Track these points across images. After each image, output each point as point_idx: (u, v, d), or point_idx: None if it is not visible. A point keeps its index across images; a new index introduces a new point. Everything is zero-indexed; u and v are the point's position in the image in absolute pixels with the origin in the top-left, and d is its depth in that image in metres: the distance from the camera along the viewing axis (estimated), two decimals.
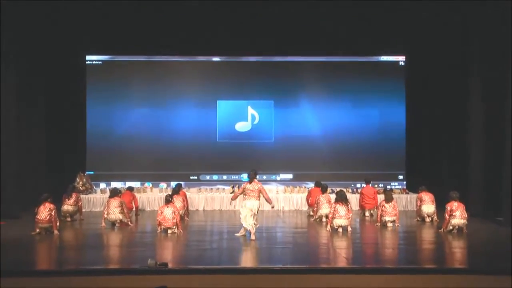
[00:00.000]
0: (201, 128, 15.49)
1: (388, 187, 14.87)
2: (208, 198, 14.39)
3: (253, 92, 15.63)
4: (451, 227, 10.58)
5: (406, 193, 14.73)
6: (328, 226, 10.81)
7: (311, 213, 12.73)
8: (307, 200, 13.31)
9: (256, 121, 15.64)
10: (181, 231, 10.54)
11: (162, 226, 10.44)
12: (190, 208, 13.54)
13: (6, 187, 12.11)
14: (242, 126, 15.61)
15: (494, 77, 12.39)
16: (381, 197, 12.56)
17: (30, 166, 13.45)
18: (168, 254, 9.17)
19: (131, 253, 9.17)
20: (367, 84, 15.50)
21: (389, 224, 11.30)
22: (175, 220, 10.42)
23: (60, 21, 14.32)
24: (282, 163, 15.35)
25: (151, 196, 14.32)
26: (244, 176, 10.43)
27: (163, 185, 14.98)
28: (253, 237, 9.93)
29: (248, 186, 10.18)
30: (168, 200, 10.68)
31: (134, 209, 12.78)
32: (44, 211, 10.28)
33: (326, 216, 11.46)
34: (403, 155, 15.50)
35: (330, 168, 15.32)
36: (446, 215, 10.62)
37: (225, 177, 15.34)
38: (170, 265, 7.67)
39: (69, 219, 12.07)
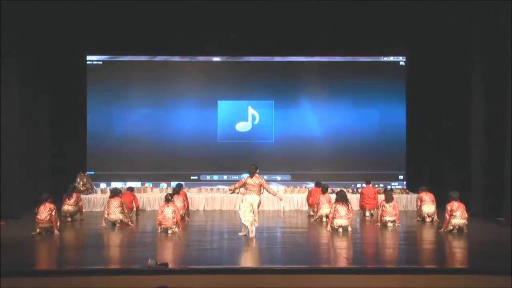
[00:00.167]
0: (202, 128, 15.49)
1: (389, 187, 14.87)
2: (209, 198, 14.39)
3: (253, 92, 15.63)
4: (451, 227, 10.58)
5: (407, 193, 14.72)
6: (329, 226, 10.80)
7: (312, 213, 12.73)
8: (307, 200, 13.31)
9: (256, 121, 15.64)
10: (181, 230, 10.53)
11: (162, 226, 10.43)
12: (191, 208, 13.53)
13: (7, 187, 12.10)
14: (242, 126, 15.62)
15: (495, 77, 12.39)
16: (381, 197, 12.55)
17: (30, 166, 13.44)
18: (168, 254, 9.16)
19: (131, 253, 9.16)
20: (368, 84, 15.49)
21: (390, 224, 11.30)
22: (175, 220, 10.42)
23: (60, 21, 14.32)
24: (282, 163, 15.34)
25: (152, 196, 14.32)
26: (245, 177, 10.40)
27: (163, 185, 14.99)
28: (251, 234, 9.91)
29: (249, 180, 10.15)
30: (168, 199, 10.67)
31: (134, 209, 12.78)
32: (45, 211, 10.28)
33: (327, 216, 11.46)
34: (403, 155, 15.50)
35: (330, 168, 15.32)
36: (447, 215, 10.62)
37: (225, 177, 15.34)
38: (170, 265, 7.67)
39: (69, 219, 12.07)
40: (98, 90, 15.34)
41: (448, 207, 10.62)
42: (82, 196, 13.29)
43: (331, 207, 10.93)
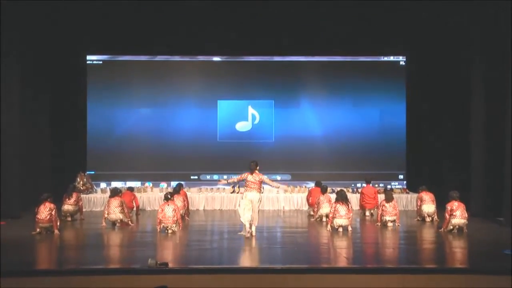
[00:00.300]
0: (202, 128, 15.50)
1: (389, 186, 14.87)
2: (209, 197, 14.39)
3: (253, 92, 15.64)
4: (451, 227, 10.58)
5: (407, 192, 14.72)
6: (329, 226, 10.80)
7: (312, 213, 12.73)
8: (307, 200, 13.31)
9: (256, 121, 15.64)
10: (181, 229, 10.52)
11: (162, 224, 10.43)
12: (191, 207, 13.53)
13: (7, 187, 12.10)
14: (242, 126, 15.62)
15: (495, 77, 12.38)
16: (381, 196, 12.55)
17: (30, 166, 13.44)
18: (168, 253, 9.16)
19: (131, 253, 9.16)
20: (368, 84, 15.50)
21: (390, 224, 11.29)
22: (175, 218, 10.42)
23: (60, 21, 14.32)
24: (282, 162, 15.35)
25: (152, 195, 14.32)
26: (245, 173, 10.36)
27: (163, 184, 14.99)
28: (247, 234, 9.90)
29: (250, 177, 10.13)
30: (168, 197, 10.67)
31: (134, 208, 12.78)
32: (45, 211, 10.28)
33: (327, 216, 11.45)
34: (403, 155, 15.50)
35: (330, 168, 15.32)
36: (447, 214, 10.61)
37: (225, 177, 15.20)
38: (170, 265, 7.67)
39: (69, 218, 12.07)
40: (98, 90, 15.35)
41: (448, 206, 10.61)
42: (82, 195, 13.29)
43: (331, 207, 10.93)
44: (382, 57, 15.73)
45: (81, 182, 14.07)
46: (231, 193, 14.49)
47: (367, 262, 8.71)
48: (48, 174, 14.46)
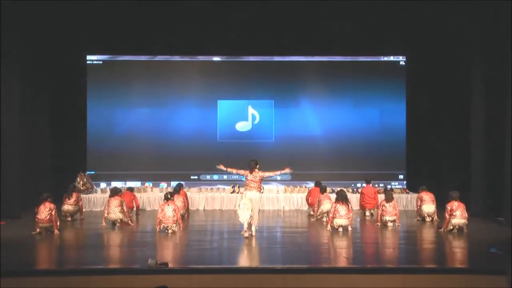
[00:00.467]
0: (202, 127, 15.50)
1: (389, 186, 14.87)
2: (209, 197, 14.40)
3: (253, 91, 15.64)
4: (451, 227, 10.58)
5: (407, 192, 14.72)
6: (329, 226, 10.80)
7: (311, 213, 12.73)
8: (307, 200, 13.31)
9: (256, 120, 15.64)
10: (181, 229, 10.52)
11: (162, 224, 10.43)
12: (191, 207, 13.55)
13: (7, 187, 12.10)
14: (242, 126, 15.62)
15: (495, 77, 12.38)
16: (381, 196, 12.55)
17: (30, 166, 13.44)
18: (168, 253, 9.16)
19: (131, 253, 9.17)
20: (368, 84, 15.50)
21: (390, 224, 11.29)
22: (175, 218, 10.42)
23: (60, 21, 14.32)
24: (282, 162, 15.18)
25: (152, 195, 14.32)
26: (246, 171, 10.35)
27: (163, 184, 14.99)
28: (246, 234, 9.90)
29: (250, 176, 10.11)
30: (168, 197, 10.66)
31: (134, 208, 12.78)
32: (44, 211, 10.28)
33: (328, 212, 11.37)
34: (403, 155, 15.50)
35: (330, 168, 15.32)
36: (447, 214, 10.61)
37: (225, 176, 15.32)
38: (170, 265, 7.67)
39: (69, 218, 12.07)
40: (98, 90, 15.35)
41: (448, 206, 10.61)
42: (82, 195, 13.30)
43: (332, 206, 10.93)
44: (382, 57, 15.73)
45: (81, 182, 14.07)
46: (231, 193, 14.50)
47: (367, 262, 8.71)
48: (48, 174, 14.45)
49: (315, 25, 14.80)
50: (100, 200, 13.89)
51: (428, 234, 11.06)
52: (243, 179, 10.52)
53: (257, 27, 14.81)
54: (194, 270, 7.62)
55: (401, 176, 15.49)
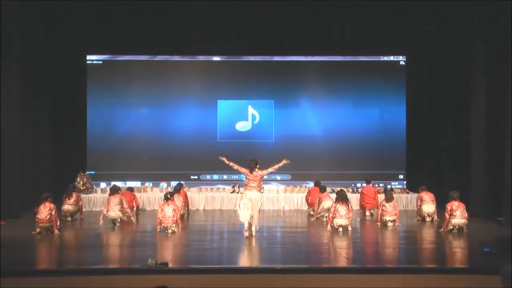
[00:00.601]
0: (202, 127, 15.50)
1: (389, 186, 14.85)
2: (209, 197, 14.39)
3: (253, 91, 15.64)
4: (451, 227, 10.57)
5: (407, 192, 14.72)
6: (329, 226, 10.79)
7: (311, 213, 12.73)
8: (307, 200, 13.31)
9: (256, 120, 15.64)
10: (180, 229, 10.51)
11: (162, 224, 10.42)
12: (191, 207, 13.55)
13: (7, 187, 12.10)
14: (242, 126, 15.62)
15: (495, 77, 12.38)
16: (381, 196, 12.54)
17: (30, 166, 13.43)
18: (168, 253, 9.16)
19: (131, 253, 9.16)
20: (368, 83, 15.50)
21: (390, 224, 11.29)
22: (175, 218, 10.42)
23: (60, 21, 14.33)
24: None
25: (152, 195, 14.32)
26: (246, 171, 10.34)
27: (163, 184, 14.98)
28: (246, 233, 9.90)
29: (250, 176, 10.10)
30: (167, 197, 10.66)
31: (134, 208, 12.77)
32: (44, 211, 10.28)
33: (328, 210, 11.34)
34: (403, 155, 15.50)
35: (330, 168, 15.32)
36: (447, 214, 10.61)
37: (225, 176, 15.33)
38: (170, 265, 7.67)
39: (69, 218, 12.07)
40: (98, 90, 15.35)
41: (448, 206, 10.61)
42: (82, 195, 13.29)
43: (332, 206, 10.93)
44: (382, 57, 15.73)
45: (81, 182, 14.07)
46: (231, 193, 14.50)
47: (367, 262, 8.71)
48: (48, 174, 14.45)
49: (315, 25, 14.80)
50: (100, 200, 13.89)
51: (428, 234, 11.06)
52: (243, 178, 10.51)
53: (257, 27, 14.82)
54: (194, 270, 7.62)
55: (401, 176, 15.49)
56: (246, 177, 10.19)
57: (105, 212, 11.37)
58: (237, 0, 14.20)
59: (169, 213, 10.38)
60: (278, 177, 15.36)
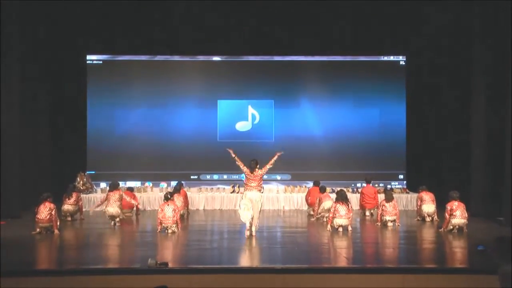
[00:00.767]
0: (202, 127, 15.49)
1: (389, 186, 14.85)
2: (209, 197, 14.39)
3: (253, 91, 15.64)
4: (451, 227, 10.57)
5: (407, 192, 14.72)
6: (329, 226, 10.79)
7: (311, 213, 12.72)
8: (307, 200, 13.31)
9: (256, 120, 15.64)
10: (180, 229, 10.51)
11: (162, 224, 10.42)
12: (191, 207, 13.56)
13: (7, 187, 12.09)
14: (242, 126, 15.62)
15: (495, 77, 12.38)
16: (381, 196, 12.55)
17: (30, 166, 13.43)
18: (168, 253, 9.16)
19: (131, 253, 9.17)
20: (368, 83, 15.50)
21: (390, 224, 11.29)
22: (175, 218, 10.41)
23: (60, 21, 14.34)
24: (282, 162, 15.14)
25: (152, 195, 14.32)
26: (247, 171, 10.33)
27: (163, 184, 14.98)
28: (247, 233, 9.90)
29: (250, 176, 10.08)
30: (168, 197, 10.66)
31: (135, 208, 12.77)
32: (44, 211, 10.27)
33: (329, 210, 11.35)
34: (403, 155, 15.50)
35: (330, 168, 15.32)
36: (447, 214, 10.61)
37: (225, 176, 15.34)
38: (170, 265, 7.67)
39: (69, 218, 12.07)
40: (98, 89, 15.35)
41: (448, 206, 10.61)
42: (82, 195, 13.29)
43: (332, 206, 10.93)
44: (382, 57, 15.72)
45: (81, 182, 14.07)
46: (231, 193, 14.50)
47: (367, 262, 8.71)
48: (48, 174, 14.44)
49: (315, 25, 14.81)
50: (100, 199, 13.85)
51: (428, 234, 11.06)
52: (243, 178, 10.51)
53: (257, 27, 14.82)
54: (194, 270, 7.62)
55: (401, 176, 15.48)
56: (246, 177, 10.18)
57: (104, 208, 11.34)
58: (237, 0, 14.20)
59: (169, 213, 10.38)
60: (278, 177, 15.37)
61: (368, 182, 13.32)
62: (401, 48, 15.54)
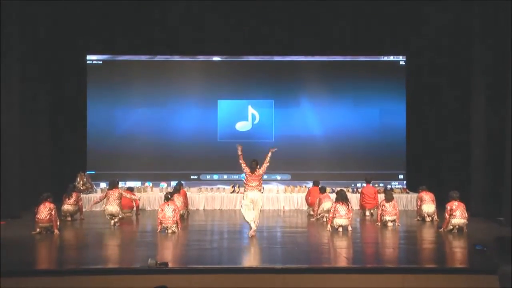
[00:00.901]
0: (202, 127, 15.49)
1: (389, 186, 14.85)
2: (209, 197, 14.39)
3: (253, 91, 15.64)
4: (451, 227, 10.57)
5: (407, 192, 14.72)
6: (329, 226, 10.79)
7: (311, 213, 12.72)
8: (306, 200, 13.31)
9: (256, 120, 15.64)
10: (180, 229, 10.51)
11: (162, 225, 10.42)
12: (191, 207, 13.56)
13: (7, 187, 12.10)
14: (242, 126, 15.62)
15: (495, 77, 12.38)
16: (381, 196, 12.55)
17: (30, 166, 13.43)
18: (168, 253, 9.16)
19: (131, 253, 9.17)
20: (368, 83, 15.50)
21: (390, 224, 11.29)
22: (175, 219, 10.41)
23: (60, 21, 14.34)
24: (282, 162, 15.26)
25: (152, 195, 14.32)
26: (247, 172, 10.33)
27: (163, 184, 14.98)
28: (252, 233, 9.90)
29: (251, 176, 10.08)
30: (168, 197, 10.66)
31: (134, 208, 12.77)
32: (44, 211, 10.27)
33: (328, 211, 11.35)
34: (403, 155, 15.49)
35: (330, 168, 15.32)
36: (446, 214, 10.61)
37: (225, 176, 15.34)
38: (170, 265, 7.67)
39: (69, 218, 12.07)
40: (98, 89, 15.35)
41: (448, 206, 10.61)
42: (82, 195, 13.30)
43: (331, 206, 10.93)
44: (382, 57, 15.72)
45: (81, 182, 14.07)
46: (231, 193, 14.50)
47: (367, 262, 8.71)
48: (48, 174, 14.44)
49: (315, 25, 14.81)
50: (98, 197, 13.86)
51: (428, 234, 11.06)
52: (243, 178, 10.51)
53: (257, 27, 14.82)
54: (194, 270, 7.62)
55: (401, 176, 15.48)
56: (247, 177, 10.16)
57: (103, 206, 11.34)
58: (237, 0, 14.20)
59: (169, 214, 10.38)
60: (278, 177, 15.37)
61: (368, 182, 13.32)
62: (401, 48, 15.54)
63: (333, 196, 11.55)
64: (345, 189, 11.90)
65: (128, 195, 11.85)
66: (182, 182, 13.56)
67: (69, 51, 14.86)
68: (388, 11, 14.56)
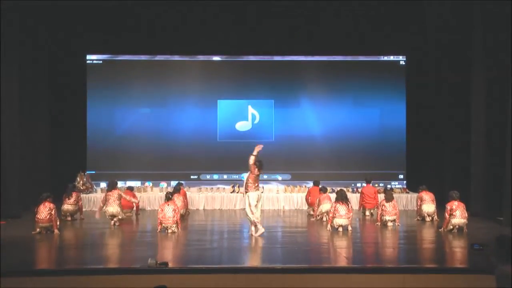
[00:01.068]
0: (202, 127, 15.49)
1: (389, 186, 14.85)
2: (209, 197, 14.39)
3: (253, 91, 15.64)
4: (451, 227, 10.57)
5: (407, 192, 14.72)
6: (329, 226, 10.80)
7: (311, 213, 12.73)
8: (307, 199, 13.31)
9: (256, 120, 15.64)
10: (180, 229, 10.51)
11: (162, 224, 10.42)
12: (191, 207, 13.56)
13: (7, 187, 12.10)
14: (242, 126, 15.62)
15: (496, 77, 12.37)
16: (381, 196, 12.55)
17: (30, 166, 13.43)
18: (168, 253, 9.17)
19: (131, 253, 9.17)
20: (368, 83, 15.50)
21: (390, 224, 11.29)
22: (175, 219, 10.41)
23: (60, 21, 14.33)
24: (282, 162, 15.33)
25: (152, 195, 14.32)
26: (245, 176, 10.35)
27: (163, 184, 14.98)
28: (262, 230, 9.91)
29: (258, 177, 10.08)
30: (168, 197, 10.67)
31: (134, 208, 12.76)
32: (44, 211, 10.27)
33: (327, 213, 11.37)
34: (403, 155, 15.50)
35: (330, 168, 15.32)
36: (446, 214, 10.61)
37: (225, 176, 15.34)
38: (170, 265, 7.67)
39: (69, 218, 12.07)
40: (98, 89, 15.35)
41: (448, 206, 10.61)
42: (82, 195, 13.30)
43: (331, 206, 10.94)
44: (382, 57, 15.72)
45: (81, 182, 14.07)
46: (231, 192, 14.50)
47: (367, 262, 8.71)
48: (48, 174, 14.44)
49: (315, 25, 14.81)
50: (100, 199, 13.84)
51: (428, 234, 11.06)
52: (243, 178, 10.51)
53: (257, 27, 14.82)
54: (194, 270, 7.63)
55: (401, 176, 15.48)
56: (254, 177, 10.02)
57: (103, 208, 11.34)
58: (237, 0, 14.19)
59: (169, 213, 10.38)
60: (279, 177, 15.37)
61: (368, 182, 13.33)
62: (401, 48, 15.54)
63: (333, 196, 11.55)
64: (345, 189, 11.90)
65: (128, 197, 11.82)
66: (182, 182, 13.59)
67: (69, 51, 14.86)
68: (388, 11, 14.55)
